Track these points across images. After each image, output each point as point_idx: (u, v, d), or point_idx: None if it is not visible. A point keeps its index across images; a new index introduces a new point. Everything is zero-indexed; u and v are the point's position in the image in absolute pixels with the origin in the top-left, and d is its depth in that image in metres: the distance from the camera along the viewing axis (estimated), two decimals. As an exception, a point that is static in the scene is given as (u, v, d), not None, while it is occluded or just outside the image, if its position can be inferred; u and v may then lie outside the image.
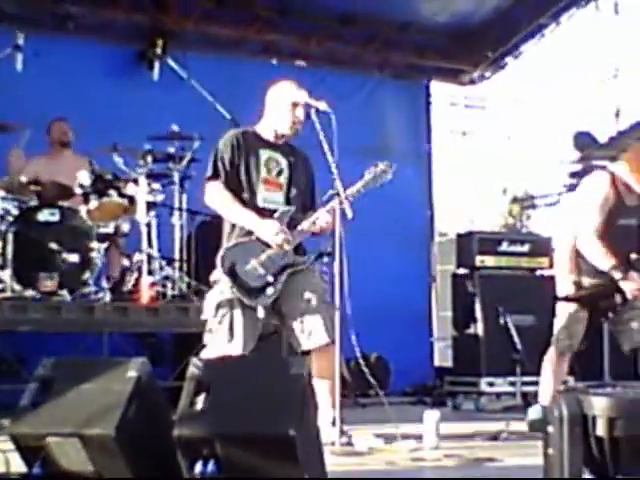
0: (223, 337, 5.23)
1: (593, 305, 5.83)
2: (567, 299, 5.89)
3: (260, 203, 5.40)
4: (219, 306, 5.28)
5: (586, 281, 5.82)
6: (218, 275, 5.33)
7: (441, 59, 10.56)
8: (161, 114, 7.81)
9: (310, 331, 5.28)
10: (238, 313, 5.24)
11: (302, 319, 5.30)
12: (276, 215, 5.35)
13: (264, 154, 5.47)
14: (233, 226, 5.41)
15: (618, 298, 5.75)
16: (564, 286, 5.97)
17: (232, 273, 5.26)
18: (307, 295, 5.30)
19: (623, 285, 5.69)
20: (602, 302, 5.79)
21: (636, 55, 15.27)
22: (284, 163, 5.51)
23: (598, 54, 11.54)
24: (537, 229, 11.90)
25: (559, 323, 5.93)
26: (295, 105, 5.47)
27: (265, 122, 5.57)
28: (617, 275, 5.68)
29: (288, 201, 5.47)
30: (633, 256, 5.80)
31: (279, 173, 5.48)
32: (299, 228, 5.38)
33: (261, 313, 5.28)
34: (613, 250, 5.70)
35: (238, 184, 5.39)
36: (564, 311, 5.93)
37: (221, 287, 5.31)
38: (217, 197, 5.39)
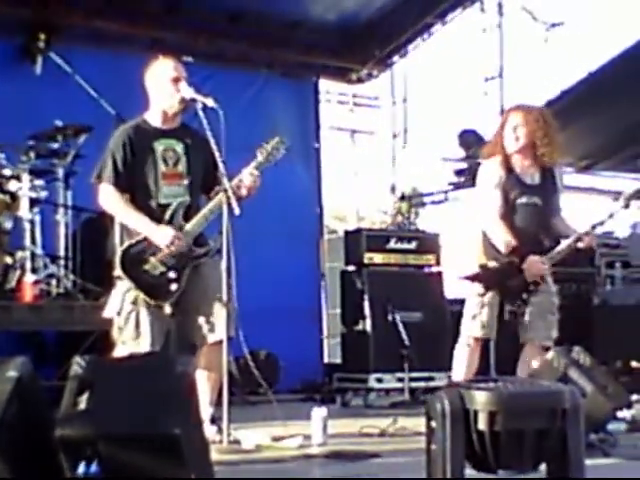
0: (130, 335, 5.16)
1: (500, 285, 5.74)
2: (473, 278, 5.79)
3: (162, 200, 5.30)
4: (123, 304, 5.20)
5: (492, 264, 5.75)
6: (120, 273, 5.24)
7: (329, 57, 10.61)
8: (45, 109, 7.67)
9: (213, 325, 5.22)
10: (143, 310, 5.18)
11: (208, 314, 5.25)
12: (169, 212, 5.26)
13: (159, 146, 5.33)
14: None
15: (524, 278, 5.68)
16: (470, 269, 5.87)
17: (132, 273, 5.19)
18: (212, 291, 5.21)
19: (524, 268, 5.69)
20: (509, 281, 5.70)
21: (520, 54, 15.61)
22: (180, 149, 5.37)
23: (483, 53, 11.72)
24: (424, 226, 12.02)
25: (468, 311, 5.83)
26: (176, 80, 5.32)
27: (152, 106, 5.42)
28: (517, 259, 5.68)
29: (189, 189, 5.36)
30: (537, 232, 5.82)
31: (176, 163, 5.35)
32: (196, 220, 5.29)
33: (168, 309, 5.23)
34: (517, 231, 5.69)
35: (134, 184, 5.29)
36: (472, 298, 5.81)
37: (125, 284, 5.22)
38: (110, 201, 5.30)
